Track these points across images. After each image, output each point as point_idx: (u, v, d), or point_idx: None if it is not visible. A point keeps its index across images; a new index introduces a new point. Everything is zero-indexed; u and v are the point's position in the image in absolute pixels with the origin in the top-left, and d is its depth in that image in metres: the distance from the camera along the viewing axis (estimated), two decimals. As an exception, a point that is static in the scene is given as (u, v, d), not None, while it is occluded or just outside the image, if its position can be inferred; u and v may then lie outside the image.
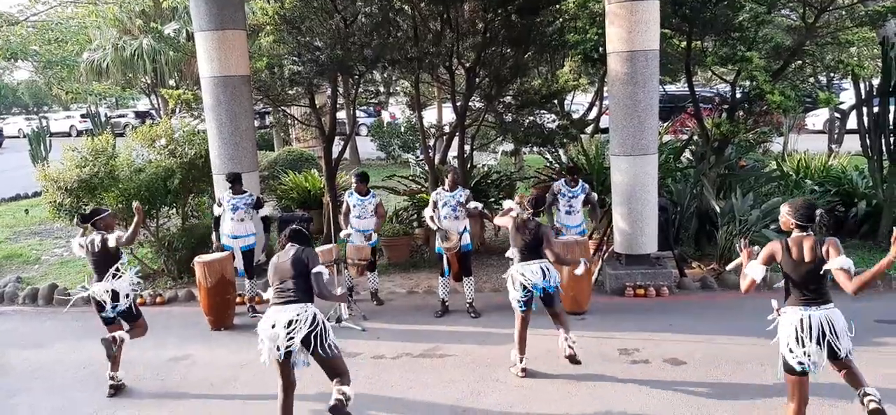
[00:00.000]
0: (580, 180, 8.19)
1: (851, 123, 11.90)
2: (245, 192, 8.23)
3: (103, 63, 19.27)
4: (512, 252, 6.23)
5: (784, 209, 4.53)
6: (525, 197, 6.41)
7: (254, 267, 8.28)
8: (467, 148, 11.18)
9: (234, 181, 8.11)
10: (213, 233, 8.22)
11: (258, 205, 8.25)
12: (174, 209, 10.26)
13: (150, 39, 18.42)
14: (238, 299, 8.23)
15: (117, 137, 10.95)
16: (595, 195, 8.44)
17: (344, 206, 8.22)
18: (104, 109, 31.12)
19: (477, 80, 10.53)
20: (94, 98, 25.90)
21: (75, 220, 6.52)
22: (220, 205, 8.20)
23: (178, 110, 13.13)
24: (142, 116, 31.10)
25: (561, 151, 12.42)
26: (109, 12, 18.00)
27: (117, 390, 6.23)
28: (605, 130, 10.14)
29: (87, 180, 9.31)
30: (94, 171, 9.39)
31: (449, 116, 16.46)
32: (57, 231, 12.96)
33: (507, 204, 6.46)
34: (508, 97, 11.12)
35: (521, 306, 6.00)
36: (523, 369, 6.13)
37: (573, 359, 6.00)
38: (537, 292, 5.95)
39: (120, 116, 34.48)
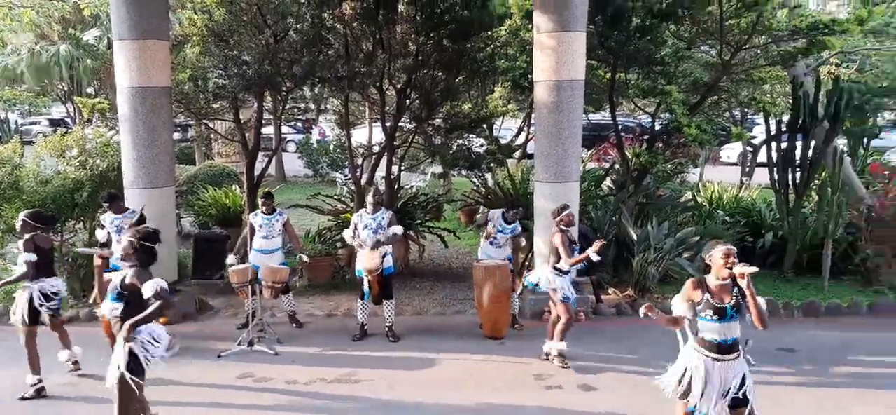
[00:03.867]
0: (517, 222, 8.07)
1: (763, 156, 12.50)
2: (127, 209, 7.85)
3: (17, 68, 18.35)
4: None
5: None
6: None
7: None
8: (396, 169, 11.13)
9: (112, 200, 7.71)
10: (97, 250, 7.62)
11: (141, 220, 7.51)
12: (81, 224, 9.77)
13: (68, 46, 17.64)
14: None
15: (27, 145, 10.39)
16: (523, 241, 8.45)
17: (248, 227, 8.00)
18: (15, 115, 29.57)
19: (407, 101, 10.53)
20: (4, 104, 24.56)
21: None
22: (102, 227, 7.72)
23: (94, 120, 12.60)
24: (56, 124, 29.67)
25: (488, 176, 12.51)
26: (25, 16, 17.16)
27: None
28: (532, 156, 10.27)
29: (-11, 190, 8.77)
30: (-3, 180, 8.86)
31: (379, 136, 16.40)
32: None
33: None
34: (438, 120, 11.15)
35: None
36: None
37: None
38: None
39: (33, 123, 32.78)
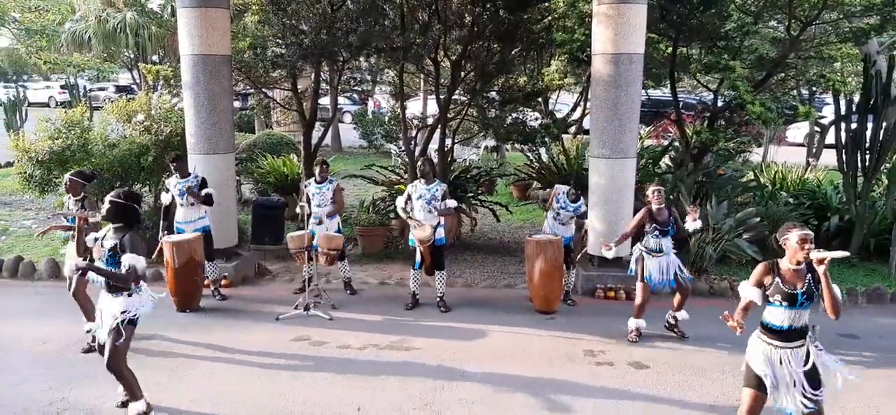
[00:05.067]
0: (581, 199, 8.02)
1: (831, 137, 12.00)
2: (190, 174, 8.02)
3: (85, 35, 19.01)
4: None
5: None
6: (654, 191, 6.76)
7: (213, 249, 8.14)
8: (449, 142, 11.13)
9: (178, 161, 7.89)
10: (161, 222, 7.92)
11: (203, 185, 7.93)
12: (147, 187, 10.12)
13: (133, 13, 18.18)
14: (205, 283, 8.09)
15: (96, 111, 10.78)
16: (586, 222, 8.37)
17: (303, 196, 8.07)
18: (84, 81, 30.65)
19: (462, 73, 10.48)
20: (73, 69, 25.44)
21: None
22: (167, 191, 7.96)
23: (159, 87, 12.97)
24: (122, 90, 30.70)
25: (542, 150, 12.39)
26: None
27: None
28: (588, 132, 10.13)
29: (59, 153, 9.15)
30: (67, 143, 9.24)
31: (434, 108, 16.43)
32: (26, 203, 12.74)
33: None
34: (493, 93, 11.07)
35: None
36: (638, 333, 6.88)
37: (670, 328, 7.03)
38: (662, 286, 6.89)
39: (100, 89, 34.02)
